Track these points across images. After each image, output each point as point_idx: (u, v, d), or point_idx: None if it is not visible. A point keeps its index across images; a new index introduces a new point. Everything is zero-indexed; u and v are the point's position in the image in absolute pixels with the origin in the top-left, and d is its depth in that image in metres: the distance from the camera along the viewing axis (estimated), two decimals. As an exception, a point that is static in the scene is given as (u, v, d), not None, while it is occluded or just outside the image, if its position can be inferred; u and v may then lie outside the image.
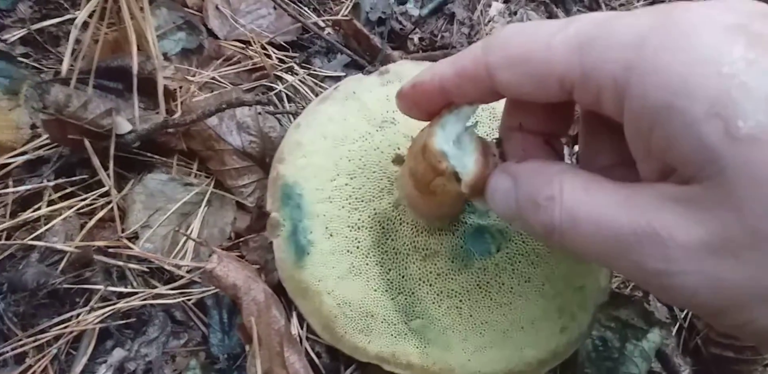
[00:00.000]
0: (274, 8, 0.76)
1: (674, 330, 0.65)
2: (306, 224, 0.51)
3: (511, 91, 0.32)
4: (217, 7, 0.74)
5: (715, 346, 0.64)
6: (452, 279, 0.49)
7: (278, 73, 0.69)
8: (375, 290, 0.50)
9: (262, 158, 0.61)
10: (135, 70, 0.60)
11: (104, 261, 0.55)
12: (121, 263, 0.55)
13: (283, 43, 0.74)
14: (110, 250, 0.55)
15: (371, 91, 0.54)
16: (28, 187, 0.57)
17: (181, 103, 0.64)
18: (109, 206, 0.57)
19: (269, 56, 0.71)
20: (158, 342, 0.53)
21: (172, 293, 0.54)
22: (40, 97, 0.61)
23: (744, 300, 0.25)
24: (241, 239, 0.59)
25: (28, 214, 0.56)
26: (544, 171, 0.32)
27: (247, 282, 0.51)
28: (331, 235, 0.50)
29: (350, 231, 0.50)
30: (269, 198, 0.53)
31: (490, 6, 0.84)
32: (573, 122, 0.38)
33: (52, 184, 0.57)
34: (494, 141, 0.38)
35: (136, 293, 0.54)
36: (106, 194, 0.58)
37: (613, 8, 0.88)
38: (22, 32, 0.66)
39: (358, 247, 0.50)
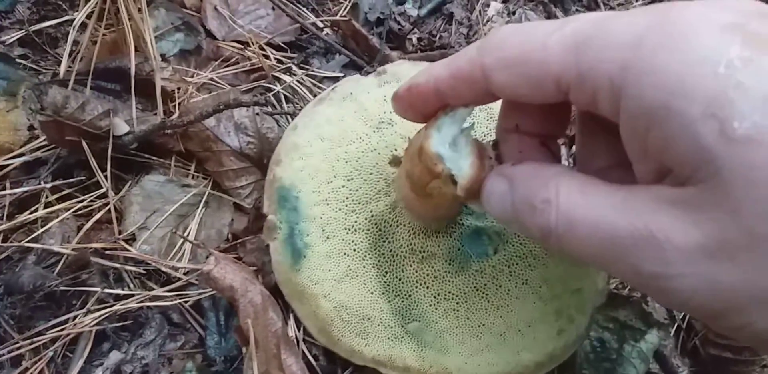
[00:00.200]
0: (273, 9, 0.76)
1: (672, 331, 0.65)
2: (303, 227, 0.51)
3: (507, 93, 0.32)
4: (215, 8, 0.74)
5: (714, 347, 0.64)
6: (449, 281, 0.49)
7: (276, 74, 0.69)
8: (372, 293, 0.49)
9: (260, 159, 0.61)
10: (133, 71, 0.60)
11: (101, 264, 0.55)
12: (118, 265, 0.55)
13: (281, 44, 0.73)
14: (107, 252, 0.55)
15: (368, 92, 0.54)
16: (26, 188, 0.57)
17: (179, 104, 0.64)
18: (107, 208, 0.57)
19: (267, 57, 0.71)
20: (155, 344, 0.53)
21: (169, 295, 0.54)
22: (37, 98, 0.61)
23: (741, 302, 0.25)
24: (239, 241, 0.59)
25: (25, 216, 0.56)
26: (540, 173, 0.31)
27: (244, 284, 0.51)
28: (327, 238, 0.50)
29: (347, 233, 0.50)
30: (266, 201, 0.53)
31: (488, 6, 0.83)
32: (570, 123, 0.38)
33: (49, 185, 0.57)
34: (490, 143, 0.38)
35: (133, 295, 0.54)
36: (104, 196, 0.58)
37: (611, 8, 0.88)
38: (20, 33, 0.66)
39: (354, 250, 0.50)
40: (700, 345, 0.65)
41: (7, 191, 0.56)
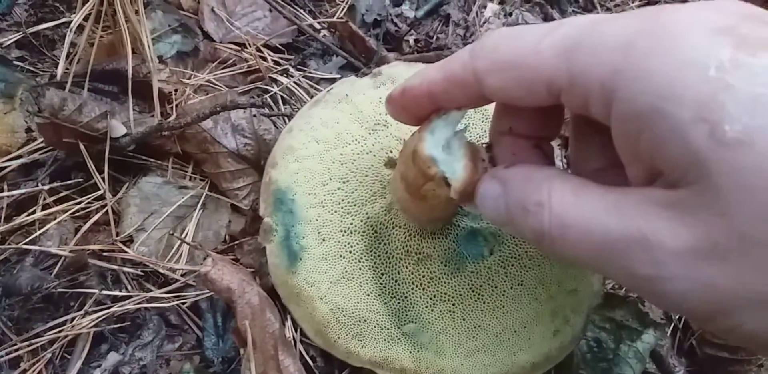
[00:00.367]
0: (270, 10, 0.76)
1: (669, 331, 0.65)
2: (298, 229, 0.51)
3: (500, 96, 0.32)
4: (212, 10, 0.74)
5: (710, 347, 0.64)
6: (445, 282, 0.49)
7: (273, 76, 0.69)
8: (368, 295, 0.50)
9: (257, 161, 0.61)
10: (130, 73, 0.60)
11: (99, 265, 0.55)
12: (115, 267, 0.55)
13: (278, 46, 0.74)
14: (105, 254, 0.55)
15: (364, 94, 0.54)
16: (23, 190, 0.57)
17: (176, 105, 0.64)
18: (104, 210, 0.58)
19: (264, 58, 0.71)
20: (153, 345, 0.53)
21: (167, 296, 0.55)
22: (35, 100, 0.61)
23: (732, 304, 0.25)
24: (236, 242, 0.59)
25: (22, 218, 0.56)
26: (533, 176, 0.31)
27: (242, 285, 0.51)
28: (323, 240, 0.50)
29: (343, 235, 0.50)
30: (262, 203, 0.53)
31: (485, 7, 0.83)
32: (563, 125, 0.38)
33: (46, 187, 0.57)
34: (484, 145, 0.38)
35: (131, 297, 0.54)
36: (101, 198, 0.58)
37: (608, 9, 0.88)
38: (17, 36, 0.66)
39: (350, 252, 0.50)
40: (696, 344, 0.66)
41: (5, 193, 0.56)
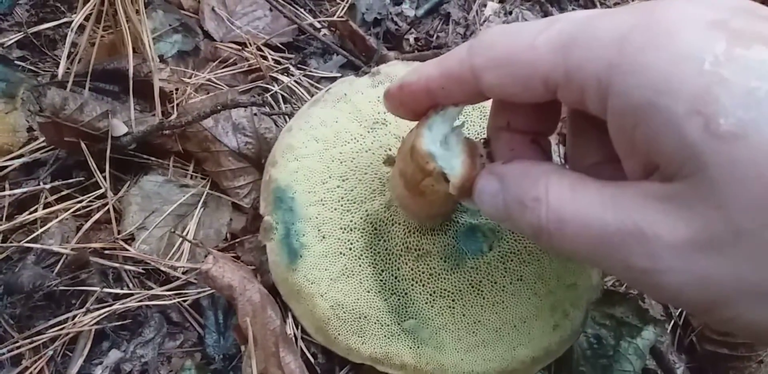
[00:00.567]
0: (270, 10, 0.76)
1: (669, 328, 0.65)
2: (298, 227, 0.51)
3: (497, 93, 0.32)
4: (213, 9, 0.75)
5: (710, 343, 0.64)
6: (445, 278, 0.49)
7: (274, 75, 0.70)
8: (368, 291, 0.50)
9: (258, 159, 0.61)
10: (131, 72, 0.60)
11: (100, 263, 0.55)
12: (117, 265, 0.55)
13: (279, 45, 0.74)
14: (106, 252, 0.56)
15: (362, 93, 0.54)
16: (25, 189, 0.57)
17: (177, 104, 0.65)
18: (105, 208, 0.58)
19: (265, 58, 0.71)
20: (154, 343, 0.53)
21: (168, 294, 0.55)
22: (36, 100, 0.62)
23: (729, 295, 0.25)
24: (237, 240, 0.60)
25: (24, 217, 0.56)
26: (531, 172, 0.32)
27: (243, 282, 0.51)
28: (323, 238, 0.50)
29: (342, 233, 0.50)
30: (262, 202, 0.53)
31: (485, 6, 0.84)
32: (560, 120, 0.38)
33: (48, 186, 0.57)
34: (482, 141, 0.38)
35: (132, 294, 0.54)
36: (103, 196, 0.58)
37: (608, 7, 0.88)
38: (18, 36, 0.67)
39: (350, 249, 0.50)
40: (696, 341, 0.66)
41: (7, 192, 0.57)
